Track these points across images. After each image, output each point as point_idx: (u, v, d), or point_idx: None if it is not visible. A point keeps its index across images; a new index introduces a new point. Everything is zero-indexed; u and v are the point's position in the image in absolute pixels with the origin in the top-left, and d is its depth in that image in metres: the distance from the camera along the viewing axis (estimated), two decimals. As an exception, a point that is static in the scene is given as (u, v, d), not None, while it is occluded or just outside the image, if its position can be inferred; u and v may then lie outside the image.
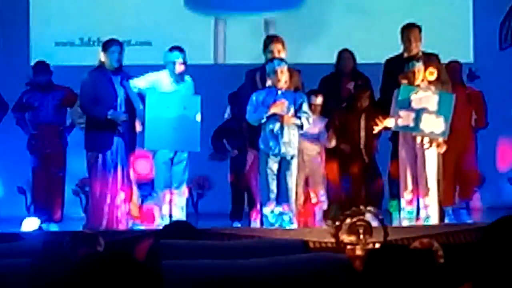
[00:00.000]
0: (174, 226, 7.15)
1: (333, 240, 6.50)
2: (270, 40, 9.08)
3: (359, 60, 9.74)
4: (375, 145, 9.27)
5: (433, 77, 8.70)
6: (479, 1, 11.97)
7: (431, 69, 8.72)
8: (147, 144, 8.71)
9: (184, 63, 8.87)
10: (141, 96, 8.84)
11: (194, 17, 11.98)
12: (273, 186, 8.53)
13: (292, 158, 8.53)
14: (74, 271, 2.34)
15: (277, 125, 8.43)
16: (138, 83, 8.85)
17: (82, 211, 10.78)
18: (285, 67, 8.48)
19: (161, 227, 7.59)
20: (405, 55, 9.08)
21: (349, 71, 9.56)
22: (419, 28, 9.19)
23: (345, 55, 9.57)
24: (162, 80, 8.85)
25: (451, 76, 9.41)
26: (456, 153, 9.21)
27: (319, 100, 9.15)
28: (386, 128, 8.82)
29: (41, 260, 3.86)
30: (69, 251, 5.52)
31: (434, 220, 8.58)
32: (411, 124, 8.53)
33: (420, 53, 9.03)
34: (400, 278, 2.38)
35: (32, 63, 10.42)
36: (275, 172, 8.53)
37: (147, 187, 10.57)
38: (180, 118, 8.67)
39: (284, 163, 8.53)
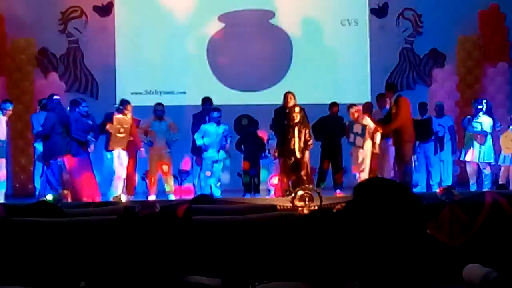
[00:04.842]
0: (201, 197, 7.10)
1: (291, 204, 6.49)
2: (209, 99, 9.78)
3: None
4: (305, 148, 8.57)
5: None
6: (374, 65, 11.99)
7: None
8: None
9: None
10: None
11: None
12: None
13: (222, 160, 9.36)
14: (143, 224, 2.33)
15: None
16: None
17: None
18: (219, 114, 9.30)
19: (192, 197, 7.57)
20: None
21: (292, 106, 8.76)
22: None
23: (289, 95, 8.96)
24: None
25: (367, 109, 9.80)
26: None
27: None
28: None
29: (123, 217, 3.83)
30: (139, 211, 5.53)
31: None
32: (352, 141, 9.21)
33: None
34: (327, 230, 2.35)
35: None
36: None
37: (184, 175, 10.54)
38: None
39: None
